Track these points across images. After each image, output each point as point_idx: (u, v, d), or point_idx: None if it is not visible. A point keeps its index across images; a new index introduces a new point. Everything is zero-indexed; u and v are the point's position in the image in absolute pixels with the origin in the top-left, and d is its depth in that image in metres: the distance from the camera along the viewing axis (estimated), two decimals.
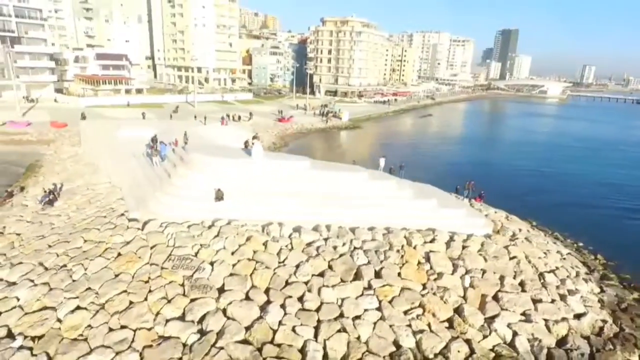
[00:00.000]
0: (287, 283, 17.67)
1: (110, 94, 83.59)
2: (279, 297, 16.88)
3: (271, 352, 14.62)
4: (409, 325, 16.34)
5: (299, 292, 17.18)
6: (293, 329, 15.53)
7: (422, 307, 17.20)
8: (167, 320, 15.44)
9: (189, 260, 18.13)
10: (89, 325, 15.12)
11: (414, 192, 24.42)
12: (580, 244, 28.22)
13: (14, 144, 46.74)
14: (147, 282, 17.05)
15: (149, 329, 15.12)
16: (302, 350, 14.85)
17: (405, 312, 16.89)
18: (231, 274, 17.77)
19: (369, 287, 17.84)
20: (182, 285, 17.02)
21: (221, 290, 16.97)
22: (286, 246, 19.76)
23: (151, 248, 18.86)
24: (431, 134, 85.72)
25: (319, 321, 16.03)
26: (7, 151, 43.84)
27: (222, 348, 14.51)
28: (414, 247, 20.44)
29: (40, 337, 14.65)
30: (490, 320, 16.96)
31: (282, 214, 21.53)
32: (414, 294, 17.71)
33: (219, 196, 21.90)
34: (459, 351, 15.46)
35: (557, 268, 21.41)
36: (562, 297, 18.86)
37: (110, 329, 14.99)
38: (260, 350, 14.68)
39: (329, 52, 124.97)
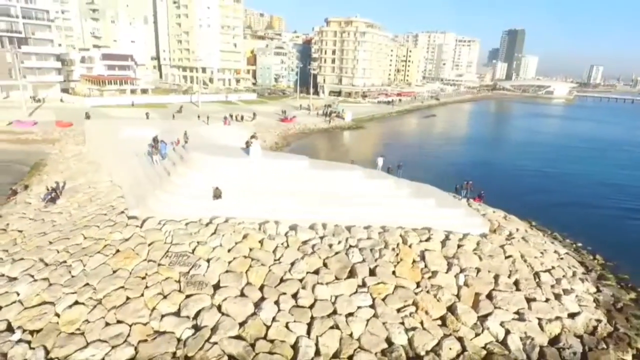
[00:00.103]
0: (281, 280, 17.89)
1: (115, 94, 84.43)
2: (274, 293, 17.10)
3: (264, 348, 14.84)
4: (402, 323, 16.47)
5: (293, 289, 17.39)
6: (286, 325, 15.74)
7: (415, 305, 17.32)
8: (163, 316, 15.72)
9: (185, 257, 18.41)
10: (86, 320, 15.44)
11: (411, 191, 24.53)
12: (579, 244, 28.14)
13: (20, 143, 47.45)
14: (144, 278, 17.35)
15: (145, 324, 15.40)
16: (295, 346, 15.06)
17: (399, 310, 17.01)
18: (227, 271, 18.03)
19: (363, 284, 18.00)
20: (178, 281, 17.29)
21: (216, 286, 17.23)
22: (282, 244, 19.98)
23: (149, 245, 19.17)
24: (434, 134, 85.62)
25: (312, 318, 16.22)
26: (13, 150, 44.55)
27: (215, 343, 14.76)
28: (409, 246, 20.55)
29: (38, 331, 15.00)
30: (483, 318, 17.04)
31: (279, 213, 21.75)
32: (407, 292, 17.84)
33: (217, 194, 22.17)
34: (450, 348, 15.58)
35: (553, 267, 21.41)
36: (557, 297, 18.89)
37: (107, 324, 15.30)
38: (253, 345, 14.90)
39: (333, 52, 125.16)
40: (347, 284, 17.91)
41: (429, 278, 18.77)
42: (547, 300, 18.51)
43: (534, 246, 23.20)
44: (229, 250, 19.03)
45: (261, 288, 17.42)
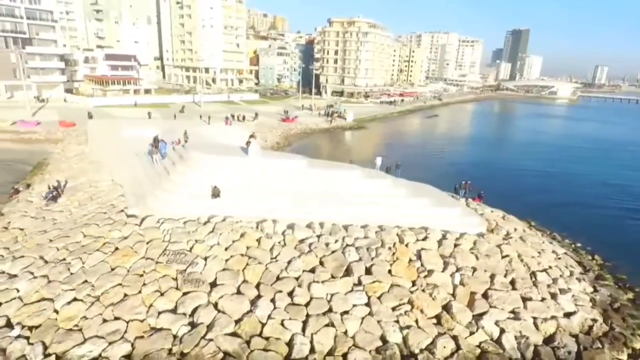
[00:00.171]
0: (278, 278, 18.01)
1: (118, 94, 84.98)
2: (270, 291, 17.23)
3: (259, 345, 14.96)
4: (397, 321, 16.54)
5: (289, 287, 17.52)
6: (282, 323, 15.86)
7: (411, 303, 17.39)
8: (160, 313, 15.88)
9: (183, 255, 18.58)
10: (84, 317, 15.61)
11: (408, 190, 24.60)
12: (579, 244, 28.11)
13: (24, 142, 47.92)
14: (141, 275, 17.53)
15: (142, 321, 15.57)
16: (290, 344, 15.18)
17: (394, 308, 17.09)
18: (224, 269, 18.17)
19: (359, 283, 18.10)
20: (176, 279, 17.45)
21: (213, 284, 17.37)
22: (279, 242, 20.12)
23: (147, 243, 19.36)
24: (435, 134, 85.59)
25: (307, 316, 16.33)
26: (16, 149, 45.03)
27: (211, 340, 14.89)
28: (406, 245, 20.63)
29: (37, 327, 15.20)
30: (478, 317, 17.09)
31: (277, 212, 21.89)
32: (402, 291, 17.93)
33: (216, 193, 22.34)
34: (444, 347, 15.64)
35: (550, 267, 21.42)
36: (553, 296, 18.90)
37: (104, 320, 15.47)
38: (248, 342, 15.02)
39: (336, 52, 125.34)
40: (343, 282, 18.02)
41: (425, 277, 18.85)
42: (543, 299, 18.53)
43: (532, 246, 23.21)
44: (226, 249, 19.20)
45: (257, 286, 17.55)
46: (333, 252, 19.75)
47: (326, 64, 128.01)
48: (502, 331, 16.57)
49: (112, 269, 17.87)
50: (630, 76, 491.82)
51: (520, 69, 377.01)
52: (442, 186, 30.84)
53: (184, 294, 16.78)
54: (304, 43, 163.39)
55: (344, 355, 14.98)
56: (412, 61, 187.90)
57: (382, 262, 19.31)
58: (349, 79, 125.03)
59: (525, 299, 18.32)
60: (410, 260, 19.84)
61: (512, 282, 19.35)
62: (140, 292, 16.69)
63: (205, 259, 18.54)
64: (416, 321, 16.70)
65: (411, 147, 63.94)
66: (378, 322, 16.42)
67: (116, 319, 15.56)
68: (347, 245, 20.31)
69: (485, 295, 18.29)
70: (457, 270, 19.37)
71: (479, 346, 16.04)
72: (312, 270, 18.54)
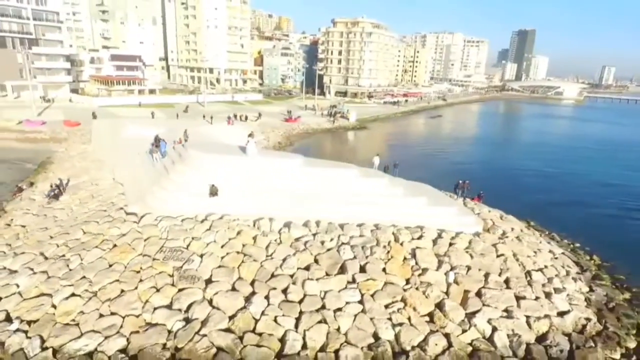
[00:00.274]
0: (272, 275, 18.22)
1: (123, 94, 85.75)
2: (264, 288, 17.44)
3: (252, 341, 15.18)
4: (389, 319, 16.68)
5: (284, 285, 17.71)
6: (275, 319, 16.05)
7: (404, 301, 17.52)
8: (155, 308, 16.13)
9: (179, 252, 18.84)
10: (81, 312, 15.92)
11: (405, 190, 24.69)
12: (577, 244, 28.03)
13: (29, 142, 48.48)
14: (138, 272, 17.82)
15: (137, 316, 15.84)
16: (282, 340, 15.37)
17: (387, 306, 17.22)
18: (219, 266, 18.42)
19: (353, 281, 18.25)
20: (172, 275, 17.71)
21: (209, 281, 17.62)
22: (275, 240, 20.32)
23: (145, 240, 19.66)
24: (438, 134, 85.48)
25: (301, 312, 16.51)
26: (22, 148, 45.61)
27: (205, 335, 15.12)
28: (401, 244, 20.75)
29: (35, 321, 15.51)
30: (471, 315, 17.17)
31: (274, 210, 22.07)
32: (396, 288, 18.06)
33: (213, 192, 22.58)
34: (436, 344, 15.75)
35: (546, 267, 21.44)
36: (547, 295, 18.94)
37: (101, 315, 15.77)
38: (241, 338, 15.25)
39: (339, 53, 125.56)
40: (337, 280, 18.18)
41: (419, 275, 18.96)
42: (536, 298, 18.58)
43: (528, 245, 23.24)
44: (222, 246, 19.44)
45: (252, 283, 17.77)
46: (328, 250, 19.92)
47: (330, 64, 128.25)
48: (495, 329, 16.66)
49: (110, 266, 18.18)
50: (638, 77, 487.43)
51: (526, 69, 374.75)
52: (441, 186, 30.92)
53: (180, 290, 17.02)
54: (308, 43, 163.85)
55: (336, 352, 15.13)
56: (416, 61, 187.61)
57: (376, 260, 19.45)
58: (353, 79, 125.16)
59: (519, 298, 18.38)
60: (405, 258, 19.96)
61: (507, 281, 19.41)
62: (136, 288, 16.97)
63: (202, 256, 18.80)
64: (409, 319, 16.81)
65: (412, 147, 63.94)
66: (371, 319, 16.57)
67: (112, 314, 15.84)
68: (343, 243, 20.46)
69: (478, 294, 18.37)
70: (452, 268, 19.47)
71: (470, 344, 16.14)
72: (307, 268, 18.73)
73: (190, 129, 38.19)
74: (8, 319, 15.69)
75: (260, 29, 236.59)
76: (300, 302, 17.01)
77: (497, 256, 21.08)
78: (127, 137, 38.99)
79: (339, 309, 16.82)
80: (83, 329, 15.17)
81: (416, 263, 19.70)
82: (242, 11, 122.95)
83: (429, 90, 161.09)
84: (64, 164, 37.31)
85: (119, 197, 25.19)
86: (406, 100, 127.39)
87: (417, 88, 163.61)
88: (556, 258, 23.50)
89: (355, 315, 16.64)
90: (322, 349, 15.29)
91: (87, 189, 28.03)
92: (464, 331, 16.52)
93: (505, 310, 17.66)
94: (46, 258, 19.10)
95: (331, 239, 20.55)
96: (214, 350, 14.71)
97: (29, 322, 15.48)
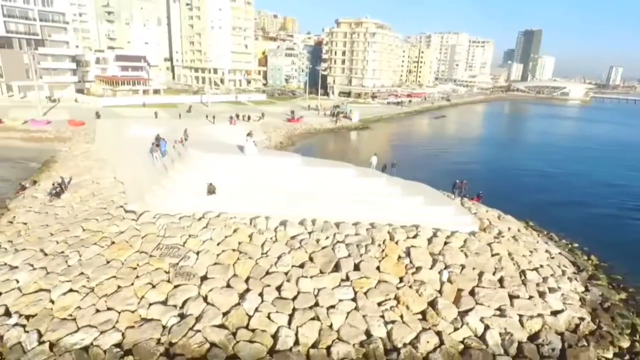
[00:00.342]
0: (267, 273, 18.41)
1: (128, 94, 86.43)
2: (258, 285, 17.64)
3: (244, 336, 15.37)
4: (382, 316, 16.80)
5: (278, 282, 17.89)
6: (268, 316, 16.25)
7: (397, 299, 17.64)
8: (151, 304, 16.38)
9: (176, 249, 19.10)
10: (79, 307, 16.20)
11: (402, 189, 24.79)
12: (576, 245, 27.98)
13: (34, 141, 49.16)
14: (135, 268, 18.09)
15: (133, 312, 16.10)
16: (275, 336, 15.56)
17: (380, 304, 17.35)
18: (215, 263, 18.64)
19: (347, 278, 18.39)
20: (168, 272, 17.96)
21: (204, 278, 17.84)
22: (270, 238, 20.53)
23: (142, 237, 19.93)
24: (440, 134, 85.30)
25: (294, 309, 16.68)
26: (27, 147, 46.27)
27: (198, 331, 15.35)
28: (396, 242, 20.87)
29: (33, 316, 15.82)
30: (463, 313, 17.25)
31: (271, 209, 22.29)
32: (389, 286, 18.18)
33: (211, 190, 22.84)
34: (428, 342, 15.86)
35: (541, 266, 21.44)
36: (541, 294, 18.97)
37: (97, 310, 16.03)
38: (234, 334, 15.45)
39: (343, 53, 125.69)
40: (331, 277, 18.33)
41: (413, 274, 19.05)
42: (530, 297, 18.61)
43: (524, 245, 23.25)
44: (218, 244, 19.66)
45: (247, 280, 17.97)
46: (323, 248, 20.09)
47: (334, 65, 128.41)
48: (487, 327, 16.73)
49: (108, 262, 18.47)
50: None
51: (532, 69, 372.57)
52: (440, 186, 31.00)
53: (175, 286, 17.27)
54: (312, 44, 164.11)
55: (328, 348, 15.30)
56: (421, 62, 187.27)
57: (370, 258, 19.59)
58: (357, 80, 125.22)
59: (512, 297, 18.42)
60: (400, 257, 20.08)
61: (501, 280, 19.46)
62: (132, 284, 17.24)
63: (198, 253, 19.04)
64: (401, 316, 16.93)
65: (414, 147, 63.95)
66: (363, 316, 16.70)
67: (109, 309, 16.10)
68: (338, 241, 20.60)
69: (472, 293, 18.43)
70: (446, 267, 19.56)
71: (462, 342, 16.22)
72: (302, 266, 18.90)
73: (192, 128, 38.48)
74: (7, 314, 16.01)
75: (265, 30, 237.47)
76: (294, 299, 17.18)
77: (492, 255, 21.13)
78: (129, 137, 39.37)
79: (332, 307, 16.96)
80: (80, 323, 15.45)
81: (410, 262, 19.80)
82: (246, 12, 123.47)
83: (433, 91, 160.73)
84: (67, 163, 37.82)
85: (119, 196, 25.54)
86: (410, 101, 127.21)
87: (421, 88, 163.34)
88: (552, 258, 23.49)
89: (348, 313, 16.76)
90: (314, 345, 15.46)
91: (89, 187, 28.41)
92: (456, 329, 16.62)
93: (498, 309, 17.71)
94: (46, 254, 19.44)
95: (326, 237, 20.72)
96: (207, 345, 14.94)
97: (27, 317, 15.79)
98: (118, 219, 21.77)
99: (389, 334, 16.17)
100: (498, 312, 17.56)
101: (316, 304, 17.03)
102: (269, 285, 17.67)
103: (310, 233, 21.08)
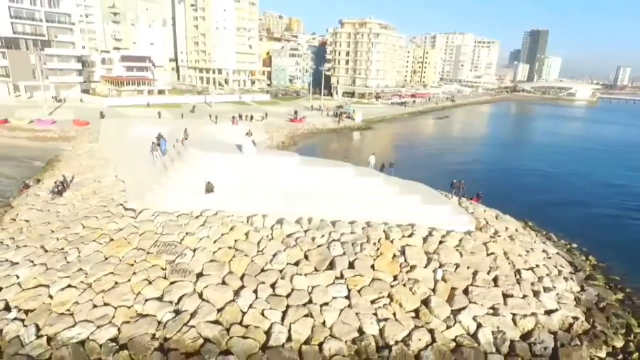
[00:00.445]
0: (262, 270, 18.62)
1: (132, 94, 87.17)
2: (253, 282, 17.85)
3: (238, 332, 15.59)
4: (375, 314, 16.93)
5: (272, 279, 18.10)
6: (262, 312, 16.44)
7: (390, 297, 17.77)
8: (147, 300, 16.62)
9: (173, 246, 19.37)
10: (76, 302, 16.49)
11: (399, 188, 24.89)
12: (575, 245, 27.95)
13: (39, 140, 49.81)
14: (132, 265, 18.36)
15: (129, 307, 16.36)
16: (268, 332, 15.74)
17: (373, 301, 17.49)
18: (211, 260, 18.88)
19: (341, 276, 18.55)
20: (164, 269, 18.22)
21: (200, 274, 18.07)
22: (267, 236, 20.74)
23: (140, 235, 20.22)
24: (442, 135, 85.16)
25: (287, 306, 16.86)
26: (32, 147, 46.92)
27: (193, 326, 15.58)
28: (391, 241, 20.99)
29: (32, 311, 16.14)
30: (456, 312, 17.33)
31: (269, 207, 22.49)
32: (383, 284, 18.31)
33: (209, 188, 23.10)
34: (420, 339, 15.98)
35: (537, 266, 21.47)
36: (536, 294, 19.00)
37: (95, 306, 16.31)
38: (228, 330, 15.67)
39: (347, 53, 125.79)
40: (325, 275, 18.50)
41: (407, 272, 19.17)
42: (524, 296, 18.66)
43: (521, 245, 23.28)
44: (214, 241, 19.90)
45: (242, 277, 18.17)
46: (319, 246, 20.27)
47: (337, 65, 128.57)
48: (479, 326, 16.81)
49: (106, 259, 18.77)
50: None
51: (539, 70, 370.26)
52: (440, 185, 31.10)
53: (171, 283, 17.50)
54: (317, 44, 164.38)
55: (320, 345, 15.46)
56: (425, 62, 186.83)
57: (365, 256, 19.73)
58: (360, 80, 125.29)
59: (506, 296, 18.49)
60: (395, 255, 20.19)
61: (495, 279, 19.52)
62: (129, 280, 17.50)
63: (194, 250, 19.28)
64: (394, 314, 17.06)
65: (415, 147, 64.01)
66: (356, 314, 16.84)
67: (105, 304, 16.37)
68: (333, 240, 20.77)
69: (465, 291, 18.50)
70: (440, 266, 19.66)
71: (454, 340, 16.33)
72: (296, 264, 19.10)
73: (193, 128, 38.87)
74: (7, 308, 16.35)
75: (270, 30, 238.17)
76: (288, 296, 17.38)
77: (488, 255, 21.19)
78: (132, 136, 39.83)
79: (326, 304, 17.13)
80: (77, 318, 15.74)
81: (405, 260, 19.91)
82: (251, 12, 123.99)
83: (437, 91, 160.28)
84: (70, 162, 38.31)
85: (120, 194, 25.89)
86: (414, 101, 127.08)
87: (425, 89, 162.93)
88: (549, 258, 23.48)
89: (341, 310, 16.92)
90: (307, 341, 15.62)
91: (90, 185, 28.82)
92: (448, 327, 16.72)
93: (492, 308, 17.78)
94: (46, 251, 19.79)
95: (322, 236, 20.90)
96: (201, 340, 15.16)
97: (26, 311, 16.10)
98: (117, 217, 22.10)
99: (381, 331, 16.30)
100: (491, 311, 17.65)
101: (310, 301, 17.20)
102: (263, 283, 17.87)
103: (306, 231, 21.27)
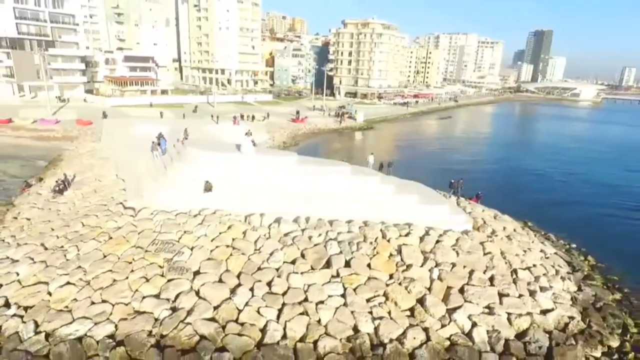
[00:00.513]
0: (259, 268, 18.76)
1: (135, 94, 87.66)
2: (249, 280, 17.99)
3: (234, 330, 15.73)
4: (370, 312, 17.02)
5: (269, 277, 18.23)
6: (258, 310, 16.57)
7: (386, 295, 17.84)
8: (144, 297, 16.82)
9: (171, 244, 19.54)
10: (75, 299, 16.70)
11: (396, 188, 24.93)
12: (574, 245, 27.89)
13: (42, 140, 50.27)
14: (130, 262, 18.56)
15: (127, 304, 16.54)
16: (263, 330, 15.87)
17: (368, 300, 17.57)
18: (208, 259, 19.04)
19: (337, 275, 18.65)
20: (162, 267, 18.40)
21: (197, 272, 18.24)
22: (264, 235, 20.89)
23: (139, 233, 20.42)
24: (444, 135, 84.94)
25: (283, 304, 16.99)
26: (35, 146, 47.37)
27: (189, 324, 15.74)
28: (388, 240, 21.06)
29: (31, 307, 16.37)
30: (452, 311, 17.38)
31: (266, 206, 22.63)
32: (379, 283, 18.40)
33: (208, 188, 23.27)
34: (414, 338, 16.05)
35: (534, 265, 21.48)
36: (532, 293, 19.00)
37: (92, 303, 16.51)
38: (224, 327, 15.82)
39: (350, 54, 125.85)
40: (321, 274, 18.62)
41: (403, 271, 19.24)
42: (520, 296, 18.67)
43: (518, 244, 23.29)
44: (212, 240, 20.08)
45: (239, 275, 18.31)
46: (315, 245, 20.38)
47: (340, 65, 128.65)
48: (474, 325, 16.85)
49: (105, 256, 18.97)
50: None
51: (543, 70, 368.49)
52: (439, 185, 31.14)
53: (169, 280, 17.68)
54: (319, 45, 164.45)
55: (315, 342, 15.57)
56: (429, 62, 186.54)
57: (362, 255, 19.82)
58: (363, 80, 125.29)
59: (502, 295, 18.51)
60: (391, 254, 20.27)
61: (491, 279, 19.54)
62: (127, 278, 17.69)
63: (192, 248, 19.46)
64: (389, 313, 17.13)
65: (416, 147, 63.98)
66: (351, 312, 16.94)
67: (103, 301, 16.57)
68: (330, 239, 20.88)
69: (461, 290, 18.55)
70: (436, 265, 19.72)
71: (449, 338, 16.38)
72: (293, 262, 19.22)
73: (194, 128, 39.12)
74: (7, 305, 16.57)
75: (274, 31, 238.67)
76: (284, 294, 17.50)
77: (484, 254, 21.22)
78: (133, 136, 40.06)
79: (321, 302, 17.23)
80: (75, 315, 15.93)
81: (401, 259, 19.99)
82: (254, 13, 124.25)
83: (440, 92, 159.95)
84: (72, 161, 38.63)
85: (120, 193, 26.12)
86: (416, 102, 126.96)
87: (428, 89, 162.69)
88: (547, 258, 23.48)
89: (337, 308, 17.01)
90: (302, 339, 15.72)
91: (91, 184, 29.07)
92: (443, 326, 16.77)
93: (487, 307, 17.81)
94: (46, 249, 20.03)
95: (319, 235, 21.01)
96: (196, 337, 15.31)
97: (26, 308, 16.33)
98: (117, 215, 22.32)
99: (376, 329, 16.37)
100: (487, 310, 17.68)
101: (305, 300, 17.31)
102: (260, 281, 18.01)
103: (303, 230, 21.39)
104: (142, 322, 15.76)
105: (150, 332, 15.52)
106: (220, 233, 20.54)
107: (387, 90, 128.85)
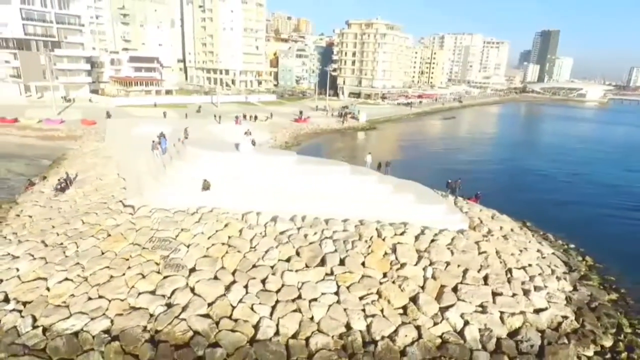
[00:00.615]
0: (254, 266, 18.97)
1: (140, 94, 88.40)
2: (244, 278, 18.21)
3: (227, 326, 15.96)
4: (363, 310, 17.17)
5: (263, 275, 18.44)
6: (251, 307, 16.80)
7: (379, 293, 17.99)
8: (140, 293, 17.09)
9: (168, 242, 19.82)
10: (72, 294, 17.03)
11: (393, 187, 25.03)
12: (572, 245, 27.86)
13: (47, 139, 50.95)
14: (127, 259, 18.87)
15: (122, 300, 16.84)
16: (256, 326, 16.09)
17: (361, 298, 17.72)
18: (204, 256, 19.30)
19: (331, 273, 18.81)
20: (158, 264, 18.67)
21: (193, 269, 18.50)
22: (260, 233, 21.10)
23: (137, 230, 20.72)
24: (446, 135, 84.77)
25: (277, 301, 17.20)
26: (40, 146, 48.06)
27: (184, 319, 16.00)
28: (383, 239, 21.19)
29: (30, 302, 16.71)
30: (444, 309, 17.50)
31: (264, 205, 22.84)
32: (372, 281, 18.54)
33: (206, 186, 23.53)
34: (406, 335, 16.19)
35: (530, 265, 21.50)
36: (526, 292, 19.05)
37: (89, 298, 16.83)
38: (217, 323, 16.06)
39: (353, 54, 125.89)
40: (315, 271, 18.78)
41: (397, 269, 19.36)
42: (513, 295, 18.73)
43: (515, 244, 23.31)
44: (208, 237, 20.32)
45: (234, 272, 18.55)
46: (311, 243, 20.55)
47: (344, 66, 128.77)
48: (467, 323, 16.95)
49: (103, 253, 19.30)
50: None
51: (549, 70, 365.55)
52: (438, 185, 31.19)
53: (165, 277, 17.96)
54: (324, 45, 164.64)
55: (307, 339, 15.75)
56: (433, 63, 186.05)
57: (356, 254, 19.96)
58: (366, 81, 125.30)
59: (495, 294, 18.57)
60: (386, 253, 20.39)
61: (485, 278, 19.60)
62: (124, 274, 17.99)
63: (188, 246, 19.71)
64: (382, 310, 17.28)
65: (417, 147, 63.96)
66: (344, 310, 17.10)
67: (100, 297, 16.88)
68: (325, 237, 21.04)
69: (455, 289, 18.64)
70: (431, 264, 19.81)
71: (440, 337, 16.50)
72: (288, 260, 19.41)
73: (196, 128, 39.47)
74: (6, 300, 16.94)
75: (279, 31, 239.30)
76: (278, 291, 17.70)
77: (479, 253, 21.27)
78: (136, 135, 40.52)
79: (315, 299, 17.41)
80: (72, 310, 16.25)
81: (396, 258, 20.10)
82: (258, 13, 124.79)
83: (445, 92, 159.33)
84: (76, 160, 39.14)
85: (120, 191, 26.47)
86: (420, 102, 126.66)
87: (433, 90, 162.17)
88: (544, 257, 23.48)
89: (330, 306, 17.19)
90: (294, 336, 15.94)
91: (93, 183, 29.47)
92: (435, 324, 16.90)
93: (480, 306, 17.89)
94: (46, 245, 20.40)
95: (314, 233, 21.18)
96: (190, 333, 15.57)
97: (24, 303, 16.69)
98: (116, 213, 22.66)
99: (368, 327, 16.52)
100: (479, 309, 17.76)
101: (299, 297, 17.50)
102: (254, 278, 18.22)
103: (299, 229, 21.58)
104: (137, 317, 16.04)
105: (145, 327, 15.79)
106: (216, 231, 20.78)
107: (391, 90, 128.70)
